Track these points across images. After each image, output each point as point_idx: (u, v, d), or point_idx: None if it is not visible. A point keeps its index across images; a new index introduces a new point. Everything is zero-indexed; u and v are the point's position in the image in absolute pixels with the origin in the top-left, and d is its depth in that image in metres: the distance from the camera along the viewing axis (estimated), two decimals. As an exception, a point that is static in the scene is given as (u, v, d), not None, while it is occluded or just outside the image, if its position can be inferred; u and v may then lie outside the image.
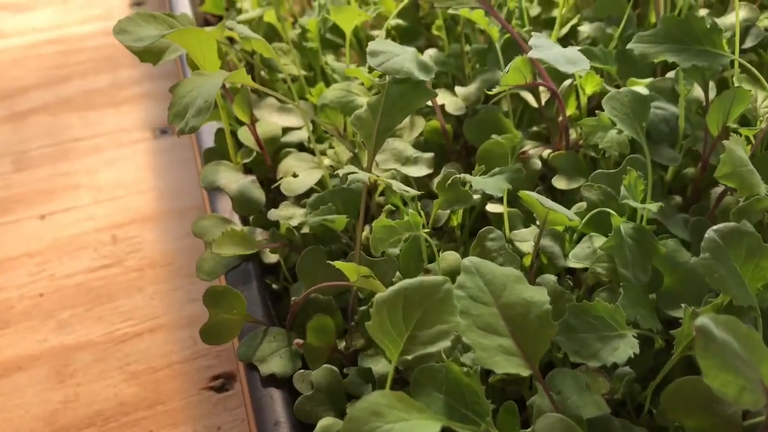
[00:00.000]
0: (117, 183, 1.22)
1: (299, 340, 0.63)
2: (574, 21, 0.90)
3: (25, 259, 1.11)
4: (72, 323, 1.03)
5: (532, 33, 0.67)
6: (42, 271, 1.10)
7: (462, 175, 0.62)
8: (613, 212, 0.62)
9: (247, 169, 0.82)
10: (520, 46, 0.71)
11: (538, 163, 0.75)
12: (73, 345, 1.00)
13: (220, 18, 1.17)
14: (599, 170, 0.70)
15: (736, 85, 0.75)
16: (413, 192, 0.61)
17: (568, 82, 0.76)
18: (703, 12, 0.95)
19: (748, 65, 0.68)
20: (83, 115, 1.34)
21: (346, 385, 0.63)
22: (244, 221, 0.79)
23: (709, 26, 0.68)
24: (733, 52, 0.77)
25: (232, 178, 0.75)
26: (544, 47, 0.65)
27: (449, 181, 0.64)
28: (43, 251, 1.12)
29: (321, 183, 0.79)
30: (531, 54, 0.63)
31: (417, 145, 0.81)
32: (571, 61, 0.64)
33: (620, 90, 0.69)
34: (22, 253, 1.12)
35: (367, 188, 0.76)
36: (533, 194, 0.59)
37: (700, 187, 0.76)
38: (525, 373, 0.53)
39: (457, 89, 0.80)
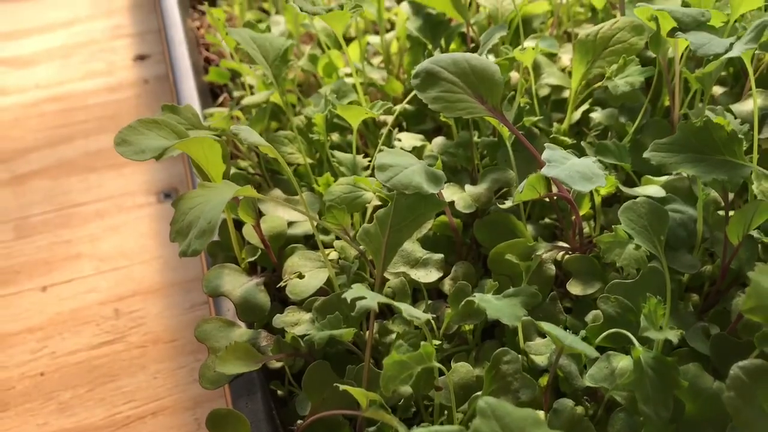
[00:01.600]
0: (119, 252, 1.20)
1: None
2: (585, 106, 0.88)
3: (26, 334, 1.09)
4: (73, 405, 1.01)
5: (546, 145, 0.65)
6: (43, 348, 1.08)
7: (475, 297, 0.60)
8: (633, 338, 0.60)
9: (253, 266, 0.80)
10: (529, 150, 0.68)
11: (553, 269, 0.73)
12: (73, 429, 0.98)
13: (223, 86, 1.15)
14: (616, 281, 0.68)
15: (756, 188, 0.73)
16: (424, 317, 0.59)
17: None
18: (717, 90, 0.93)
19: (765, 172, 0.66)
20: (85, 177, 1.33)
21: None
22: (250, 323, 0.76)
23: (728, 134, 0.65)
24: (751, 147, 0.75)
25: (236, 283, 0.73)
26: (557, 162, 0.62)
27: (462, 302, 0.61)
28: (44, 326, 1.10)
29: (329, 281, 0.77)
30: (544, 171, 0.61)
31: (426, 240, 0.79)
32: (586, 177, 0.62)
33: (637, 200, 0.66)
34: (23, 328, 1.10)
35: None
36: (552, 328, 0.57)
37: (720, 289, 0.73)
38: None
39: (468, 188, 0.78)
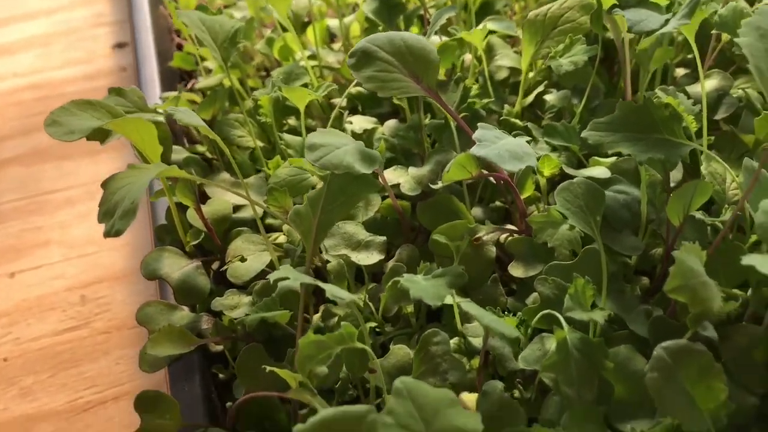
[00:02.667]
0: (88, 239, 1.20)
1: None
2: (541, 89, 0.86)
3: (-9, 320, 1.09)
4: (35, 390, 1.01)
5: (479, 125, 0.64)
6: (7, 334, 1.08)
7: (402, 279, 0.59)
8: (561, 318, 0.59)
9: (199, 250, 0.80)
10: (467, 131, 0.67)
11: (493, 251, 0.71)
12: (34, 414, 0.98)
13: (191, 73, 1.15)
14: (554, 262, 0.67)
15: (704, 169, 0.71)
16: (348, 297, 0.58)
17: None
18: (680, 72, 0.92)
19: (711, 154, 0.65)
20: (58, 165, 1.32)
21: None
22: (193, 307, 0.76)
23: (668, 113, 0.64)
24: (701, 128, 0.74)
25: (175, 266, 0.72)
26: (488, 142, 0.61)
27: (391, 283, 0.60)
28: (10, 312, 1.10)
29: (271, 265, 0.76)
30: (473, 150, 0.60)
31: (374, 223, 0.78)
32: (517, 157, 0.61)
33: (573, 181, 0.65)
34: (-10, 314, 1.10)
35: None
36: (473, 307, 0.56)
37: (666, 272, 0.72)
38: None
39: (411, 170, 0.77)
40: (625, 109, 0.65)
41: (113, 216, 0.60)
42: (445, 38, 0.87)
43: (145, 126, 0.68)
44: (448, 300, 0.69)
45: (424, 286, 0.58)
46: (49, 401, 0.99)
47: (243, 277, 0.72)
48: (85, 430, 0.96)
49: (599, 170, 0.72)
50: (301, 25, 0.99)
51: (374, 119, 0.86)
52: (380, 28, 0.89)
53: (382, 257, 0.72)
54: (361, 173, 0.63)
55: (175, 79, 1.13)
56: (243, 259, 0.74)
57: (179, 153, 0.88)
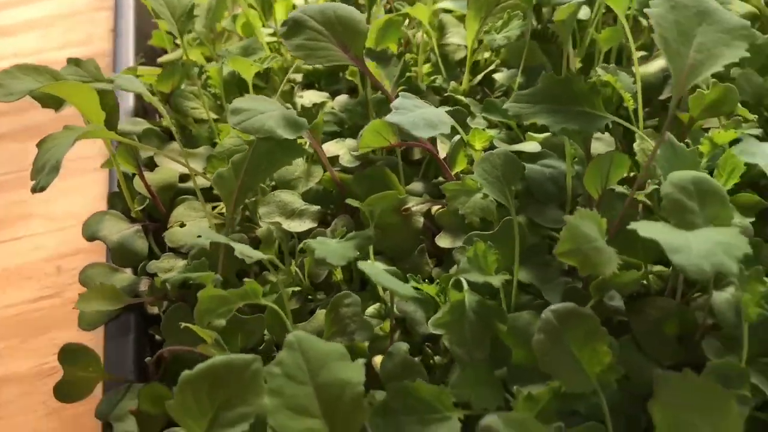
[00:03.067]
0: (69, 212, 1.23)
1: (133, 407, 0.62)
2: (492, 67, 0.87)
3: (-29, 289, 1.13)
4: (3, 355, 1.04)
5: (400, 93, 0.65)
6: (-14, 301, 1.11)
7: (311, 241, 0.60)
8: (464, 281, 0.60)
9: (148, 216, 0.82)
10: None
11: (420, 221, 0.72)
12: (1, 377, 1.01)
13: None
14: (474, 232, 0.68)
15: (637, 146, 0.72)
16: (257, 256, 0.60)
17: (457, 137, 0.73)
18: (639, 55, 0.92)
19: (626, 124, 0.65)
20: (48, 142, 1.36)
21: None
22: (135, 270, 0.78)
23: (589, 87, 0.65)
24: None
25: (114, 229, 0.75)
26: (404, 110, 0.62)
27: (304, 245, 0.62)
28: (-10, 280, 1.14)
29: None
30: (388, 118, 0.61)
31: (315, 194, 0.79)
32: (431, 124, 0.62)
33: (494, 152, 0.66)
34: (-30, 283, 1.13)
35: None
36: (368, 266, 0.57)
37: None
38: (330, 457, 0.51)
39: (347, 141, 0.78)
40: (546, 81, 0.66)
41: (42, 173, 0.63)
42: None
43: (85, 91, 0.71)
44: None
45: (332, 248, 0.60)
46: (17, 366, 1.02)
47: (180, 242, 0.75)
48: (48, 393, 0.98)
49: (530, 145, 0.73)
50: (269, 3, 1.00)
51: (326, 94, 0.87)
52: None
53: (314, 225, 0.74)
54: (283, 139, 0.65)
55: (154, 58, 1.16)
56: (182, 225, 0.76)
57: (140, 125, 0.90)
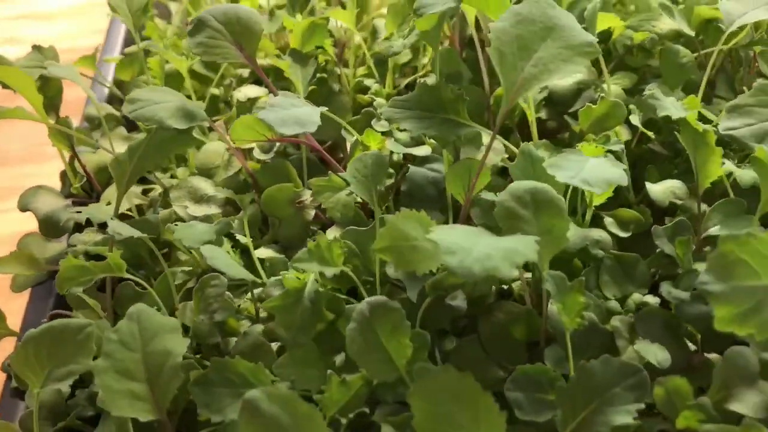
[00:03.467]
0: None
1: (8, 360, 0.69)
2: (422, 73, 0.90)
3: None
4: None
5: (280, 92, 0.70)
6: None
7: (176, 226, 0.66)
8: (318, 271, 0.64)
9: (89, 195, 0.90)
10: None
11: (311, 213, 0.77)
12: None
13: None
14: (350, 227, 0.71)
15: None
16: (129, 233, 0.66)
17: (354, 138, 0.77)
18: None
19: (485, 131, 0.67)
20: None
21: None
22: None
23: (454, 95, 0.67)
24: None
25: (46, 203, 0.82)
26: (279, 108, 0.67)
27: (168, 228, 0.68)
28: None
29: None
30: (258, 114, 0.66)
31: (234, 182, 0.84)
32: (299, 123, 0.66)
33: (366, 153, 0.70)
34: None
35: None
36: (206, 250, 0.62)
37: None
38: (145, 417, 0.57)
39: (258, 135, 0.83)
40: (419, 89, 0.69)
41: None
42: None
43: (21, 77, 0.79)
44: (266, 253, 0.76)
45: (191, 230, 0.65)
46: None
47: (102, 218, 0.81)
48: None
49: (424, 149, 0.76)
50: None
51: (265, 90, 0.92)
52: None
53: (218, 211, 0.79)
54: (173, 128, 0.71)
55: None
56: (109, 204, 0.83)
57: (103, 110, 0.98)
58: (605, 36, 0.88)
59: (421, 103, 0.69)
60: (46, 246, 0.85)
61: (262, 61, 0.93)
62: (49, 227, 0.82)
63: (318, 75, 0.83)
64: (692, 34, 0.84)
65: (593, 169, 0.58)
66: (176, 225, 0.67)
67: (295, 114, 0.67)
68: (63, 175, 0.93)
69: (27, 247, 0.84)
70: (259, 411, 0.49)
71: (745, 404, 0.56)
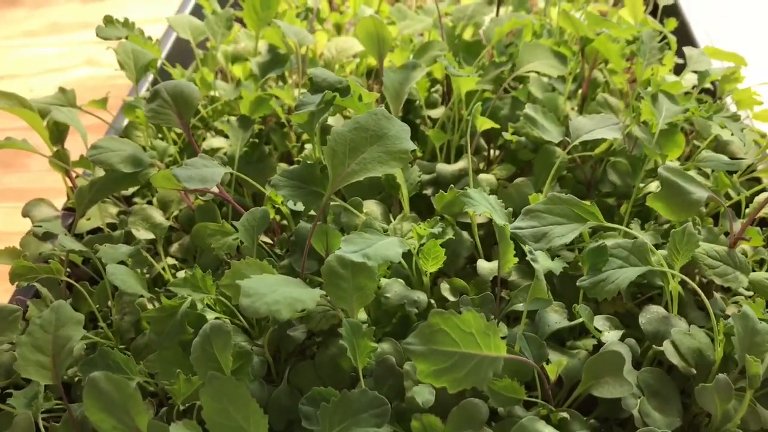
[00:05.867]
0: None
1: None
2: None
3: None
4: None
5: (200, 155, 0.92)
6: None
7: (104, 246, 0.90)
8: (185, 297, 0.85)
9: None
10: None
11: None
12: None
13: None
14: (233, 261, 0.92)
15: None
16: (72, 246, 0.90)
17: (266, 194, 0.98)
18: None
19: (339, 200, 0.87)
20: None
21: None
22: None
23: (322, 173, 0.87)
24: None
25: (42, 213, 1.08)
26: (189, 166, 0.89)
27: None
28: None
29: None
30: (172, 170, 0.88)
31: (183, 215, 1.07)
32: (203, 180, 0.88)
33: (257, 209, 0.91)
34: None
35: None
36: (110, 268, 0.85)
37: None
38: (45, 381, 0.79)
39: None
40: (301, 165, 0.89)
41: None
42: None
43: (31, 115, 1.05)
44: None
45: (114, 252, 0.88)
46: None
47: (79, 230, 1.06)
48: None
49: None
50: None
51: (228, 141, 1.15)
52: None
53: (154, 237, 1.02)
54: (121, 172, 0.94)
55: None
56: (88, 219, 1.08)
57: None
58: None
59: (299, 177, 0.89)
60: (41, 245, 1.10)
61: (220, 122, 1.16)
62: (41, 234, 1.07)
63: (251, 140, 1.05)
64: (556, 141, 1.00)
65: (379, 247, 0.76)
66: (105, 246, 0.90)
67: (202, 173, 0.89)
68: (70, 192, 1.18)
69: (27, 245, 1.10)
70: (98, 387, 0.71)
71: (471, 443, 0.74)
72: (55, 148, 1.11)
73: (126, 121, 1.28)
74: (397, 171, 0.96)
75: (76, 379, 0.87)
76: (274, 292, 0.73)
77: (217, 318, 0.86)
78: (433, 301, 0.90)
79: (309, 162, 0.89)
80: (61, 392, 0.82)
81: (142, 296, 0.92)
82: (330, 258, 0.80)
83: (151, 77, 1.44)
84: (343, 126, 0.81)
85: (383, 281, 0.88)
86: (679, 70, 1.29)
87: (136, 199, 1.16)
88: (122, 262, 0.89)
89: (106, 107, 1.26)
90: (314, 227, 0.85)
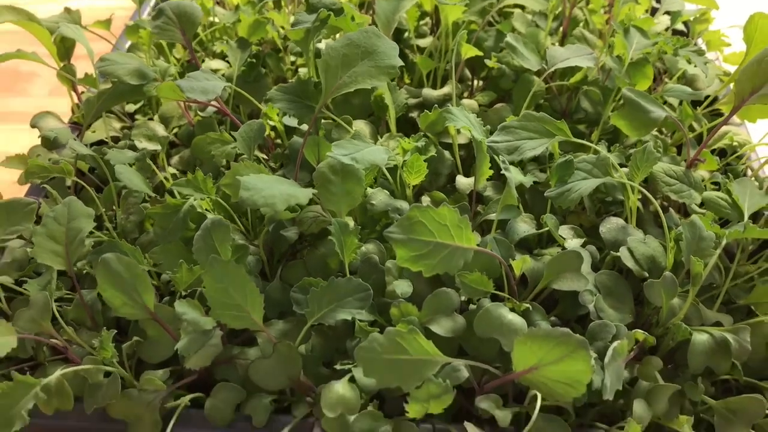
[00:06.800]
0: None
1: None
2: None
3: None
4: None
5: (200, 68, 0.98)
6: None
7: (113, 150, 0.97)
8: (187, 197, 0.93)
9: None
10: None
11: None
12: None
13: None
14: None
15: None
16: (84, 151, 0.97)
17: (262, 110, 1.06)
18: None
19: (329, 114, 0.94)
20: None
21: None
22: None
23: (316, 89, 0.94)
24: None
25: (50, 124, 1.14)
26: (192, 79, 0.95)
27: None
28: None
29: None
30: (176, 82, 0.95)
31: (183, 129, 1.14)
32: (204, 91, 0.95)
33: (254, 121, 0.98)
34: None
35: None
36: (123, 170, 0.92)
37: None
38: (59, 267, 0.87)
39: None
40: (296, 81, 0.96)
41: (-11, 75, 1.03)
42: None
43: (39, 29, 1.10)
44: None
45: (121, 156, 0.96)
46: None
47: (66, 140, 1.13)
48: None
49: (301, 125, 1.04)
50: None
51: (227, 64, 1.22)
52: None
53: (157, 148, 1.09)
54: (128, 83, 1.01)
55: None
56: (94, 131, 1.15)
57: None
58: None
59: (294, 91, 0.96)
60: (48, 155, 1.17)
61: (219, 43, 1.22)
62: (46, 141, 1.14)
63: (249, 60, 1.12)
64: (535, 69, 1.08)
65: (366, 152, 0.84)
66: (112, 150, 0.97)
67: (203, 85, 0.96)
68: (73, 108, 1.25)
69: (34, 154, 1.16)
70: (110, 267, 0.79)
71: (442, 327, 0.82)
72: (62, 63, 1.17)
73: (128, 45, 1.34)
74: (385, 93, 1.03)
75: (84, 272, 0.95)
76: (270, 187, 0.81)
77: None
78: (414, 211, 0.98)
79: (303, 80, 0.96)
80: (73, 279, 0.89)
81: (146, 196, 0.99)
82: (321, 164, 0.88)
83: (153, 2, 1.49)
84: (336, 42, 0.88)
85: (369, 190, 0.96)
86: (654, 13, 1.36)
87: (138, 116, 1.23)
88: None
89: (110, 29, 1.32)
90: (306, 137, 0.93)
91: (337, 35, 1.13)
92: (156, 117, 1.20)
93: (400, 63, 0.88)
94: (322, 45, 1.19)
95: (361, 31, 0.89)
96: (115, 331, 0.83)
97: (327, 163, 0.88)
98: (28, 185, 1.15)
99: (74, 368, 0.81)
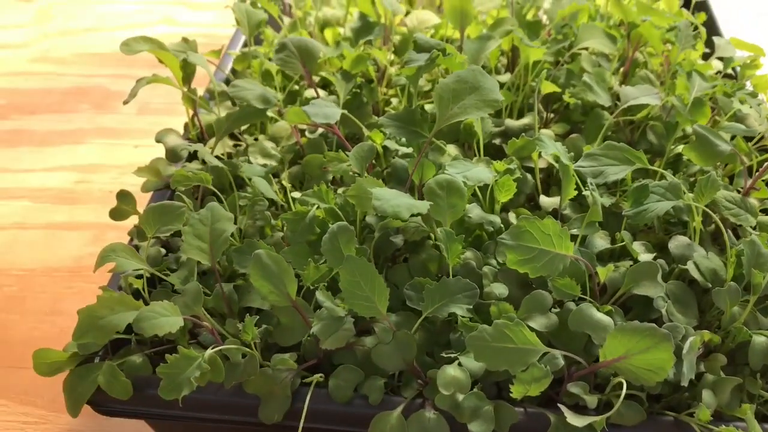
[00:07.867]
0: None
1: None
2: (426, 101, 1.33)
3: None
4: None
5: (316, 100, 1.14)
6: None
7: (247, 164, 1.12)
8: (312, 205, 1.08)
9: (199, 141, 1.37)
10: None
11: (331, 176, 1.21)
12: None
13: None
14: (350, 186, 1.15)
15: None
16: (215, 162, 1.12)
17: (367, 134, 1.21)
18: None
19: (436, 140, 1.09)
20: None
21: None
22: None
23: (422, 117, 1.10)
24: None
25: (171, 139, 1.30)
26: (314, 105, 1.11)
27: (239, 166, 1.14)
28: None
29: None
30: (303, 107, 1.10)
31: (290, 148, 1.30)
32: (326, 117, 1.10)
33: (366, 143, 1.13)
34: None
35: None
36: (259, 181, 1.07)
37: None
38: (205, 262, 1.02)
39: (309, 121, 1.28)
40: (403, 110, 1.11)
41: (131, 96, 1.19)
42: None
43: (169, 57, 1.26)
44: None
45: (254, 169, 1.11)
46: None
47: (203, 153, 1.28)
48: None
49: (404, 149, 1.19)
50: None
51: (325, 92, 1.37)
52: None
53: (276, 165, 1.25)
54: (254, 107, 1.16)
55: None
56: (211, 148, 1.30)
57: (219, 88, 1.45)
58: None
59: (402, 119, 1.11)
60: (168, 167, 1.32)
61: (325, 73, 1.38)
62: (171, 155, 1.29)
63: (353, 90, 1.27)
64: (606, 105, 1.23)
65: (474, 172, 0.99)
66: (245, 164, 1.12)
67: (325, 111, 1.12)
68: (186, 126, 1.40)
69: (156, 165, 1.32)
70: (261, 260, 0.94)
71: (537, 323, 0.96)
72: (185, 87, 1.33)
73: (228, 70, 1.50)
74: (476, 122, 1.19)
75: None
76: (396, 198, 0.96)
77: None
78: (502, 226, 1.12)
79: (410, 109, 1.11)
80: (216, 273, 1.04)
81: (273, 202, 1.15)
82: (430, 181, 1.03)
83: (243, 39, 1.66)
84: (448, 78, 1.04)
85: (467, 206, 1.10)
86: (705, 58, 1.51)
87: (244, 135, 1.38)
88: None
89: (220, 57, 1.48)
90: (419, 159, 1.08)
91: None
92: (260, 137, 1.35)
93: (501, 98, 1.03)
94: (401, 79, 1.35)
95: (469, 69, 1.04)
96: (258, 317, 0.97)
97: (435, 180, 1.03)
98: (151, 193, 1.31)
99: (222, 347, 0.96)
